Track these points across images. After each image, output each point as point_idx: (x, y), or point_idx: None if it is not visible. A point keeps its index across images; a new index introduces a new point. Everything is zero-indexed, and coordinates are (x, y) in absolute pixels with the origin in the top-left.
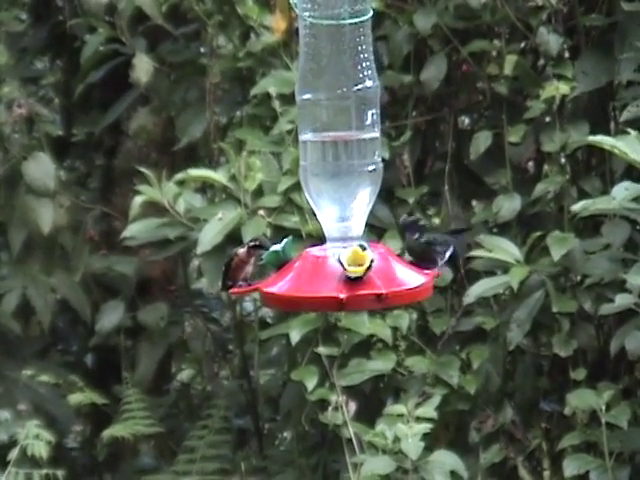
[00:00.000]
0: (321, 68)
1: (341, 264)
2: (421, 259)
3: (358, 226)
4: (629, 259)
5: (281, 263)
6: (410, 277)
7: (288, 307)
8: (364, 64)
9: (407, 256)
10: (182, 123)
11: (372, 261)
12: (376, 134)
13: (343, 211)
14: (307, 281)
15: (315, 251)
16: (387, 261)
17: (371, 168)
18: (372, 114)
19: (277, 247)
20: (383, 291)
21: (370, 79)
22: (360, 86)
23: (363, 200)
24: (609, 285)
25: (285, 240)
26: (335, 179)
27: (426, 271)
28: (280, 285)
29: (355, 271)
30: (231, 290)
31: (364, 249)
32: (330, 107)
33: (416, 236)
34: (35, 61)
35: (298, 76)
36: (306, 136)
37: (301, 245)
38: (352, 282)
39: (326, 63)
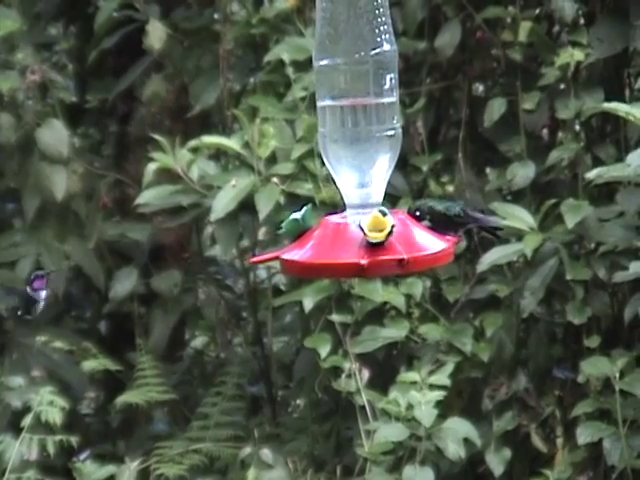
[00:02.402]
0: (338, 33)
1: (362, 230)
2: (442, 228)
3: (378, 192)
4: None
5: (301, 231)
6: (431, 242)
7: (309, 274)
8: (381, 28)
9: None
10: (195, 90)
11: (393, 226)
12: (395, 99)
13: (363, 177)
14: (328, 248)
15: (335, 218)
16: (407, 227)
17: (390, 133)
18: (390, 78)
19: (296, 215)
20: (404, 256)
21: (388, 43)
22: (378, 50)
23: (382, 166)
24: (623, 252)
25: (304, 208)
26: (354, 145)
27: (447, 237)
28: (301, 253)
29: (376, 237)
30: (251, 259)
31: (385, 215)
32: (348, 72)
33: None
34: (49, 27)
35: (315, 42)
36: (324, 102)
37: (320, 213)
38: (373, 248)
39: (343, 28)
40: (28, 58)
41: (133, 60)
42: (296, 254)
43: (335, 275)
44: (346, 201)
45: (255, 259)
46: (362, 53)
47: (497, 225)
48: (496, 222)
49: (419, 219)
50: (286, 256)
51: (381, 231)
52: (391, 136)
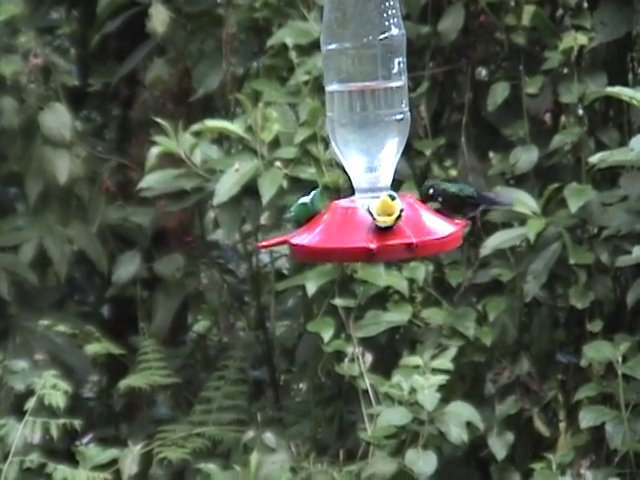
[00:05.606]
0: (346, 17)
1: (370, 214)
2: (453, 209)
3: (386, 176)
4: None
5: (309, 215)
6: (439, 226)
7: (318, 259)
8: (390, 12)
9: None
10: (198, 74)
11: (402, 210)
12: (403, 82)
13: (371, 161)
14: (337, 232)
15: (344, 202)
16: (416, 211)
17: (399, 117)
18: (398, 62)
19: (305, 199)
20: (413, 240)
21: (396, 27)
22: (386, 34)
23: (391, 150)
24: (626, 237)
25: (313, 192)
26: (363, 129)
27: (456, 221)
28: (310, 237)
29: (385, 221)
30: (260, 244)
31: (393, 199)
32: (356, 56)
33: (439, 200)
34: (51, 11)
35: (323, 26)
36: (332, 87)
37: (329, 197)
38: (382, 232)
39: (351, 12)
40: (31, 42)
41: (136, 44)
42: (305, 238)
43: (344, 260)
44: (354, 185)
45: (263, 243)
46: (370, 37)
47: (510, 203)
48: (509, 200)
49: (432, 198)
50: (295, 240)
51: (390, 215)
52: (400, 120)
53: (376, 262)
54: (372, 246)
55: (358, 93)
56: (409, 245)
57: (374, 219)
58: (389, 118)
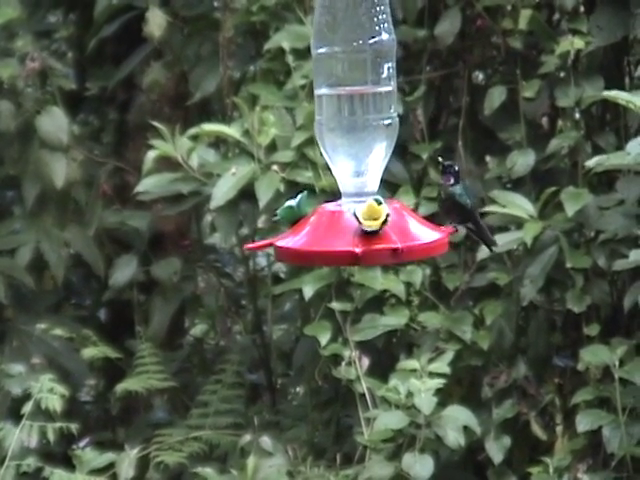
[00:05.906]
0: (337, 21)
1: (357, 218)
2: (444, 210)
3: (374, 181)
4: None
5: (296, 218)
6: (425, 232)
7: (303, 262)
8: (380, 17)
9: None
10: (195, 77)
11: (388, 215)
12: (392, 88)
13: (359, 166)
14: (322, 236)
15: (330, 206)
16: (402, 216)
17: (387, 122)
18: (388, 67)
19: (292, 202)
20: (399, 245)
21: (386, 32)
22: (376, 39)
23: (379, 155)
24: (623, 241)
25: (300, 195)
26: (351, 134)
27: (442, 227)
28: (295, 240)
29: (371, 225)
30: (246, 246)
31: (380, 203)
32: (346, 61)
33: (451, 182)
34: (48, 15)
35: (313, 30)
36: (321, 90)
37: (315, 200)
38: (368, 236)
39: (342, 16)
40: (28, 46)
41: (133, 48)
42: (290, 241)
43: (329, 263)
44: (342, 189)
45: (250, 246)
46: (360, 42)
47: (495, 245)
48: (493, 242)
49: (446, 172)
50: (280, 243)
51: (376, 220)
52: (388, 125)
53: (361, 266)
54: (357, 250)
55: (347, 97)
56: (394, 250)
57: (360, 223)
58: (377, 123)
